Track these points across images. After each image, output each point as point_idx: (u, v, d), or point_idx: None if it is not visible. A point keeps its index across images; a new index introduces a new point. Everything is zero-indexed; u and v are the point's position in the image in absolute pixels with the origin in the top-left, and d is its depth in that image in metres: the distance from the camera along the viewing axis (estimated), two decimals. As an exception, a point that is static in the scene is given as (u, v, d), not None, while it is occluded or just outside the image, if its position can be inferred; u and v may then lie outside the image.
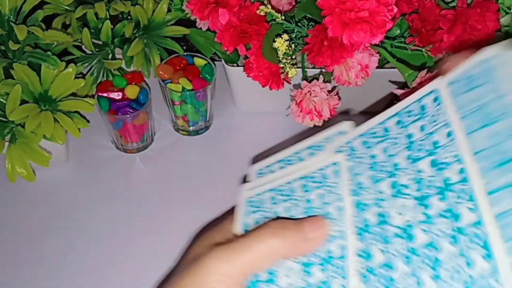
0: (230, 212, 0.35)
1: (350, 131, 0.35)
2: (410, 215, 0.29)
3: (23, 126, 0.52)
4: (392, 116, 0.32)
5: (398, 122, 0.32)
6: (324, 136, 0.36)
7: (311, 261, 0.31)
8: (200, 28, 0.56)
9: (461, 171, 0.27)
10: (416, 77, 0.48)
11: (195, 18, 0.56)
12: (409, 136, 0.31)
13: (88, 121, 0.58)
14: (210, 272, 0.29)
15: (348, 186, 0.33)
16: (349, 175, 0.33)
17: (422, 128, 0.31)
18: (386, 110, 0.33)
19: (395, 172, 0.31)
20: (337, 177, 0.33)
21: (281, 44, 0.49)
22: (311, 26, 0.50)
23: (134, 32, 0.62)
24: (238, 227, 0.34)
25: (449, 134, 0.29)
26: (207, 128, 0.66)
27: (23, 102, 0.53)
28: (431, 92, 0.31)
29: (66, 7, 0.61)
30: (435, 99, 0.30)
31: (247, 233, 0.32)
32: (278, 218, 0.33)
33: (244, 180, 0.37)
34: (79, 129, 0.55)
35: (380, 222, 0.30)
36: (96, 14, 0.60)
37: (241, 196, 0.36)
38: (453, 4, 0.52)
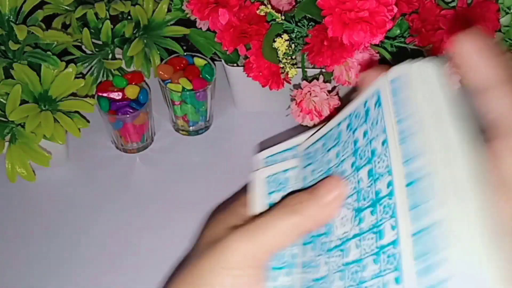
0: (241, 194, 0.34)
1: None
2: (349, 227, 0.28)
3: (23, 126, 0.52)
4: (345, 118, 0.31)
5: (348, 126, 0.31)
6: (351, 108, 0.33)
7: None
8: (200, 28, 0.56)
9: (389, 184, 0.26)
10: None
11: (195, 18, 0.56)
12: (355, 142, 0.30)
13: (88, 121, 0.58)
14: (234, 253, 0.29)
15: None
16: (309, 181, 0.33)
17: (365, 134, 0.29)
18: (342, 110, 0.32)
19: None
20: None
21: (281, 44, 0.49)
22: (311, 26, 0.50)
23: (134, 32, 0.62)
24: (256, 207, 0.33)
25: (384, 142, 0.27)
26: (207, 128, 0.66)
27: (23, 102, 0.53)
28: (373, 93, 0.29)
29: (66, 7, 0.61)
30: (377, 102, 0.28)
31: (263, 213, 0.31)
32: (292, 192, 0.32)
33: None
34: (79, 129, 0.55)
35: (326, 232, 0.30)
36: (96, 14, 0.60)
37: (257, 177, 0.34)
38: (453, 4, 0.52)
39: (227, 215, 0.33)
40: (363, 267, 0.26)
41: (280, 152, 0.36)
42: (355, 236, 0.27)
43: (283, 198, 0.32)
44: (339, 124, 0.31)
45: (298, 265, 0.31)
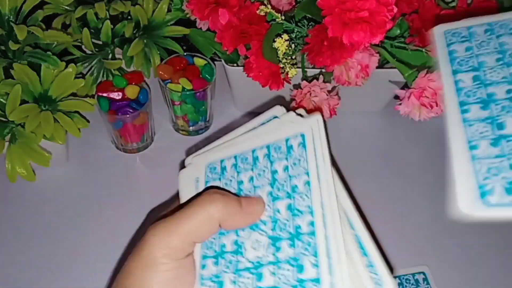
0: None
1: (281, 115, 0.35)
2: (262, 253, 0.30)
3: (23, 126, 0.52)
4: (261, 147, 0.33)
5: (266, 156, 0.33)
6: (259, 122, 0.36)
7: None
8: (200, 28, 0.56)
9: (311, 223, 0.28)
10: (416, 77, 0.48)
11: (195, 18, 0.56)
12: (274, 172, 0.32)
13: (88, 121, 0.58)
14: (153, 249, 0.29)
15: None
16: None
17: (285, 169, 0.31)
18: (257, 135, 0.34)
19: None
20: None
21: (281, 44, 0.49)
22: (311, 26, 0.50)
23: (134, 32, 0.62)
24: (182, 198, 0.34)
25: (307, 183, 0.30)
26: (207, 128, 0.66)
27: (23, 102, 0.53)
28: (297, 134, 0.32)
29: (66, 7, 0.61)
30: (301, 144, 0.32)
31: (184, 203, 0.31)
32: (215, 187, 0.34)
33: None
34: (79, 129, 0.55)
35: (235, 251, 0.31)
36: (96, 14, 0.60)
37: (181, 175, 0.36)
38: (453, 4, 0.52)
39: (165, 209, 0.34)
40: None
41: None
42: (270, 263, 0.29)
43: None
44: (254, 150, 0.34)
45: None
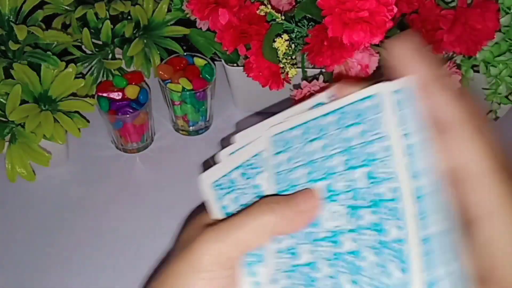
0: None
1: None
2: (341, 222, 0.29)
3: (23, 126, 0.52)
4: (333, 111, 0.31)
5: (339, 121, 0.30)
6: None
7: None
8: (200, 28, 0.56)
9: (395, 189, 0.27)
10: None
11: (195, 18, 0.56)
12: (349, 139, 0.30)
13: (88, 121, 0.58)
14: (203, 254, 0.28)
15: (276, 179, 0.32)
16: (288, 167, 0.32)
17: (362, 134, 0.29)
18: (325, 104, 0.31)
19: (330, 175, 0.30)
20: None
21: (281, 44, 0.49)
22: (311, 26, 0.50)
23: (134, 32, 0.62)
24: (216, 213, 0.33)
25: (387, 148, 0.28)
26: (207, 128, 0.66)
27: (23, 102, 0.53)
28: (372, 97, 0.29)
29: (66, 7, 0.61)
30: (377, 106, 0.29)
31: (237, 212, 0.30)
32: (261, 195, 0.32)
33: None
34: (79, 129, 0.55)
35: (312, 223, 0.29)
36: (96, 14, 0.60)
37: (204, 183, 0.34)
38: (453, 4, 0.52)
39: (204, 214, 0.33)
40: (362, 258, 0.27)
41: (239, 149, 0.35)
42: (351, 231, 0.28)
43: (246, 195, 0.32)
44: (325, 115, 0.31)
45: (271, 252, 0.30)
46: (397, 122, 0.28)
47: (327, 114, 0.31)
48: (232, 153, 0.34)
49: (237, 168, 0.34)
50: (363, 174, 0.28)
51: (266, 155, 0.33)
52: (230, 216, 0.30)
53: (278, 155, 0.32)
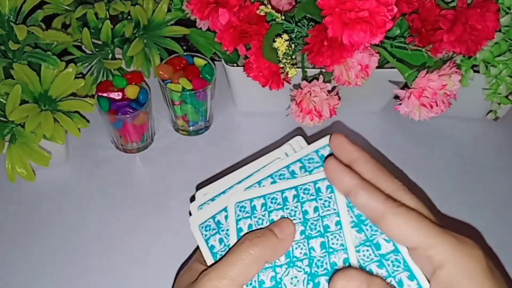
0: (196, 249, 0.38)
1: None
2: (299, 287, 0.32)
3: (23, 126, 0.52)
4: (291, 188, 0.36)
5: (295, 197, 0.36)
6: (271, 158, 0.38)
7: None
8: (200, 28, 0.56)
9: (346, 260, 0.32)
10: (416, 77, 0.48)
11: (195, 18, 0.56)
12: (305, 212, 0.35)
13: (88, 121, 0.58)
14: None
15: None
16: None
17: (315, 210, 0.34)
18: (285, 180, 0.37)
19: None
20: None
21: (281, 44, 0.49)
22: (311, 26, 0.50)
23: (134, 32, 0.63)
24: (207, 256, 0.36)
25: (338, 223, 0.33)
26: (207, 128, 0.66)
27: (23, 102, 0.53)
28: (325, 178, 0.35)
29: (66, 7, 0.61)
30: (329, 186, 0.35)
31: (226, 252, 0.34)
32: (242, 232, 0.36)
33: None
34: (79, 129, 0.55)
35: (274, 286, 0.33)
36: (96, 14, 0.60)
37: (192, 227, 0.38)
38: (453, 4, 0.52)
39: (192, 266, 0.37)
40: None
41: (212, 199, 0.39)
42: None
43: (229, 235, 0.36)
44: (283, 191, 0.36)
45: None
46: (345, 201, 0.34)
47: (287, 189, 0.36)
48: (201, 206, 0.39)
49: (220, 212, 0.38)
50: (317, 244, 0.33)
51: (228, 219, 0.37)
52: (222, 256, 0.34)
53: (241, 222, 0.37)
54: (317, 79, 0.52)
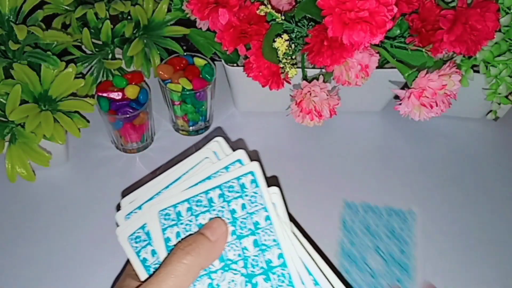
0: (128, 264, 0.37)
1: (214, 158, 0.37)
2: None
3: (23, 126, 0.52)
4: (215, 187, 0.35)
5: (221, 195, 0.34)
6: (190, 164, 0.37)
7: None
8: (200, 28, 0.56)
9: (280, 255, 0.31)
10: (416, 77, 0.48)
11: (195, 18, 0.56)
12: (233, 211, 0.34)
13: (88, 121, 0.58)
14: None
15: None
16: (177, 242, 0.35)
17: (243, 207, 0.33)
18: (205, 178, 0.35)
19: None
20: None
21: (281, 44, 0.49)
22: (311, 26, 0.50)
23: (134, 32, 0.63)
24: (139, 270, 0.35)
25: (267, 218, 0.32)
26: (207, 128, 0.66)
27: (23, 102, 0.53)
28: (248, 173, 0.34)
29: (66, 7, 0.61)
30: (253, 181, 0.34)
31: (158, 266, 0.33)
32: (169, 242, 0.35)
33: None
34: (79, 129, 0.55)
35: None
36: (96, 14, 0.60)
37: (121, 239, 0.36)
38: (453, 4, 0.52)
39: (125, 281, 0.34)
40: None
41: (139, 207, 0.37)
42: None
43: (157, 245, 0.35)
44: (207, 192, 0.35)
45: None
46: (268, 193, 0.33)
47: (211, 189, 0.35)
48: (128, 216, 0.37)
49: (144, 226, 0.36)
50: (250, 242, 0.32)
51: (153, 230, 0.36)
52: (156, 270, 0.32)
53: (167, 230, 0.35)
54: (317, 79, 0.52)
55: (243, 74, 0.54)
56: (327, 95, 0.52)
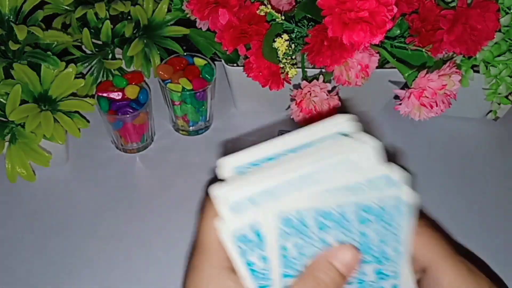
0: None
1: (349, 127, 0.30)
2: None
3: (23, 126, 0.52)
4: (352, 205, 0.29)
5: (355, 213, 0.29)
6: (320, 131, 0.30)
7: None
8: (200, 28, 0.56)
9: (395, 286, 0.29)
10: (416, 77, 0.48)
11: (195, 18, 0.56)
12: (363, 234, 0.29)
13: (88, 121, 0.58)
14: None
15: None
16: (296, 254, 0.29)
17: (376, 232, 0.29)
18: (342, 186, 0.29)
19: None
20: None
21: (281, 44, 0.49)
22: (311, 26, 0.50)
23: (134, 32, 0.63)
24: (244, 274, 0.29)
25: (396, 250, 0.30)
26: (207, 128, 0.66)
27: (23, 102, 0.53)
28: (393, 197, 0.29)
29: (66, 7, 0.61)
30: (396, 207, 0.29)
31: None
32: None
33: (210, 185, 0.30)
34: (79, 129, 0.55)
35: None
36: (96, 14, 0.60)
37: (224, 235, 0.28)
38: (453, 4, 0.52)
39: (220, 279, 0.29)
40: None
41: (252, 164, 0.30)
42: None
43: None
44: (342, 206, 0.28)
45: None
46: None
47: (347, 204, 0.29)
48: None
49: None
50: (372, 269, 0.30)
51: (268, 234, 0.29)
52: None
53: (283, 237, 0.29)
54: (317, 79, 0.52)
55: (243, 74, 0.54)
56: (327, 95, 0.52)
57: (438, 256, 0.30)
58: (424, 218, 0.32)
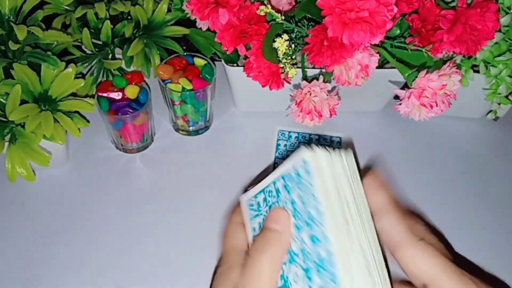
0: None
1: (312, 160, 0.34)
2: (301, 285, 0.31)
3: (23, 126, 0.52)
4: (278, 178, 0.34)
5: (284, 186, 0.33)
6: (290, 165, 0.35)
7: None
8: (200, 28, 0.56)
9: (329, 252, 0.29)
10: (416, 77, 0.48)
11: (195, 18, 0.56)
12: (293, 202, 0.32)
13: (88, 121, 0.58)
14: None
15: None
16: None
17: (299, 197, 0.32)
18: (277, 169, 0.35)
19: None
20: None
21: (281, 44, 0.49)
22: (311, 26, 0.50)
23: (134, 32, 0.63)
24: (249, 236, 0.36)
25: (317, 210, 0.30)
26: (207, 128, 0.66)
27: (23, 102, 0.53)
28: (301, 160, 0.32)
29: (66, 7, 0.61)
30: (306, 169, 0.32)
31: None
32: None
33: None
34: (79, 129, 0.55)
35: (283, 286, 0.32)
36: (96, 14, 0.60)
37: (242, 201, 0.38)
38: (453, 4, 0.52)
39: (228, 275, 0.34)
40: None
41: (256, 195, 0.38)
42: None
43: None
44: (274, 182, 0.34)
45: None
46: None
47: (275, 181, 0.34)
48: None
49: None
50: (307, 236, 0.31)
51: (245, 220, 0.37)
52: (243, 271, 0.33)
53: (254, 220, 0.36)
54: (317, 79, 0.52)
55: (243, 74, 0.54)
56: (327, 95, 0.52)
57: (439, 272, 0.30)
58: (424, 226, 0.33)
